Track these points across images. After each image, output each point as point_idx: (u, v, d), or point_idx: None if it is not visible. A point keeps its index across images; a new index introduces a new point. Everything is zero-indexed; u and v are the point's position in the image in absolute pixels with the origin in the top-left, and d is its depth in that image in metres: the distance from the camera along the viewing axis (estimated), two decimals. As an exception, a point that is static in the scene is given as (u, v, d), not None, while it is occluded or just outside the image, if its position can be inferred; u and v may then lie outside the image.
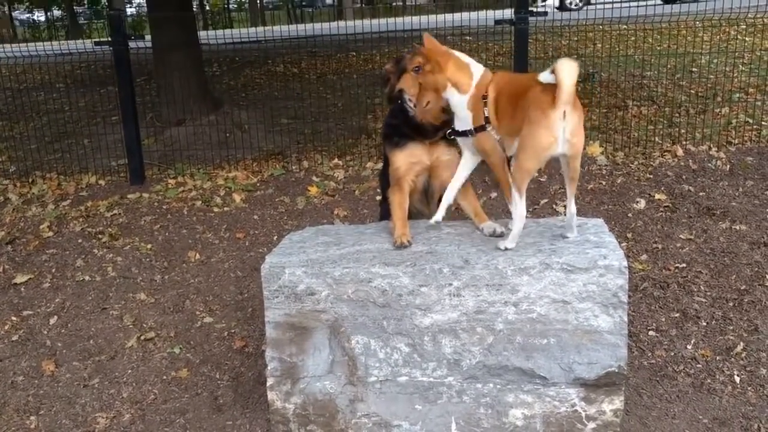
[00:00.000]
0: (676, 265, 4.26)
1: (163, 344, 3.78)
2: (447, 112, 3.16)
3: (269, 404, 2.90)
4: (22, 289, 4.41)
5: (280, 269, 2.82)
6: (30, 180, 6.11)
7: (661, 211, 4.88)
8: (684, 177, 5.35)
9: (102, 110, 8.89)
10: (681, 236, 4.55)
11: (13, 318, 4.11)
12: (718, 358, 3.47)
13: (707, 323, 3.73)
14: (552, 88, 2.52)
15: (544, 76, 2.57)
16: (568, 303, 2.70)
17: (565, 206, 4.95)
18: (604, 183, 5.32)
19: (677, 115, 7.03)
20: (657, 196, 5.05)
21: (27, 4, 27.81)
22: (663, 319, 3.80)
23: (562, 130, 2.55)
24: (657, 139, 6.29)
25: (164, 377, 3.51)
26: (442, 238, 3.02)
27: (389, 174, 3.14)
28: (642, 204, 4.98)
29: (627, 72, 8.80)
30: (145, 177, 5.96)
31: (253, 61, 11.73)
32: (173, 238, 4.92)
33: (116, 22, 5.82)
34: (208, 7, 31.17)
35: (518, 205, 2.74)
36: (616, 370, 2.72)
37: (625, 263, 2.66)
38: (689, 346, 3.57)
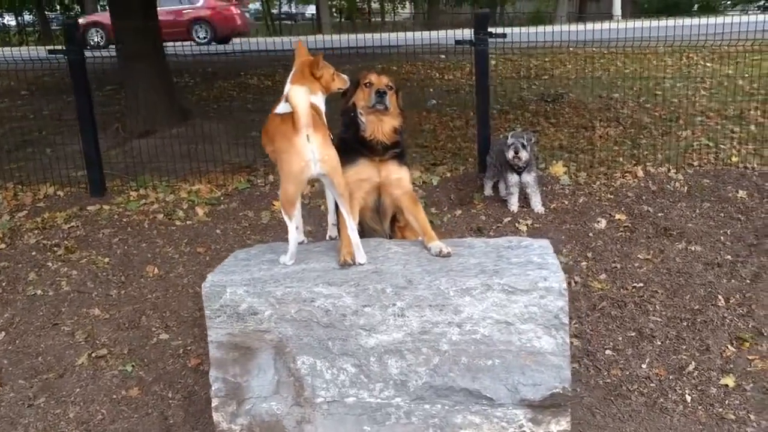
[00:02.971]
0: (634, 284, 4.29)
1: (116, 362, 3.72)
2: (397, 131, 3.17)
3: (215, 425, 2.86)
4: (-29, 303, 4.32)
5: (221, 288, 2.78)
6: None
7: (621, 231, 4.92)
8: (644, 198, 5.41)
9: (66, 119, 8.80)
10: (639, 256, 4.59)
11: (-41, 334, 4.03)
12: (671, 377, 3.48)
13: (662, 342, 3.75)
14: (290, 117, 2.71)
15: (280, 107, 2.83)
16: (511, 324, 2.70)
17: (527, 225, 5.00)
18: (566, 202, 5.36)
19: (641, 136, 7.13)
20: (617, 216, 5.09)
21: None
22: (620, 338, 3.82)
23: (311, 153, 2.72)
24: (622, 159, 6.37)
25: (114, 396, 3.45)
26: (389, 258, 3.01)
27: None
28: (603, 224, 5.01)
29: (594, 93, 8.91)
30: (106, 189, 5.90)
31: (227, 72, 11.72)
32: (132, 252, 4.86)
33: (71, 30, 5.76)
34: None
35: (289, 228, 2.89)
36: (561, 392, 2.71)
37: (565, 285, 2.67)
38: (644, 365, 3.58)
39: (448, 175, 5.94)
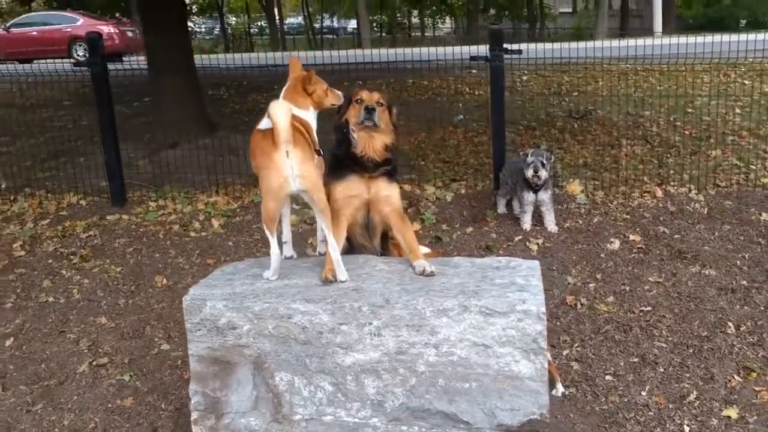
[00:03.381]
0: (642, 308, 4.18)
1: (115, 371, 3.78)
2: (389, 149, 3.17)
3: (192, 438, 2.88)
4: (-16, 309, 4.46)
5: (201, 302, 2.81)
6: (12, 198, 6.20)
7: (634, 253, 4.81)
8: (661, 219, 5.28)
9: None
10: (650, 279, 4.48)
11: (-30, 338, 4.16)
12: (670, 406, 3.38)
13: (664, 369, 3.65)
14: (271, 133, 2.73)
15: (262, 123, 2.83)
16: (489, 347, 2.66)
17: (538, 244, 4.93)
18: (580, 222, 5.27)
19: (668, 155, 6.97)
20: (632, 237, 4.98)
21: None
22: (621, 364, 3.72)
23: (289, 169, 2.74)
24: (645, 178, 6.24)
25: (109, 405, 3.50)
26: (372, 275, 3.00)
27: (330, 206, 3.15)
28: (616, 244, 4.91)
29: (624, 111, 8.76)
30: (127, 199, 6.03)
31: (261, 86, 11.87)
32: (144, 262, 4.95)
33: (95, 44, 5.91)
34: (230, 31, 31.75)
35: (271, 244, 2.90)
36: (539, 418, 2.66)
37: (544, 309, 2.62)
38: (644, 393, 3.48)
39: (463, 191, 5.90)
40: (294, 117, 3.13)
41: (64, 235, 5.37)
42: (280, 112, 2.74)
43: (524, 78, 11.81)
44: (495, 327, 2.65)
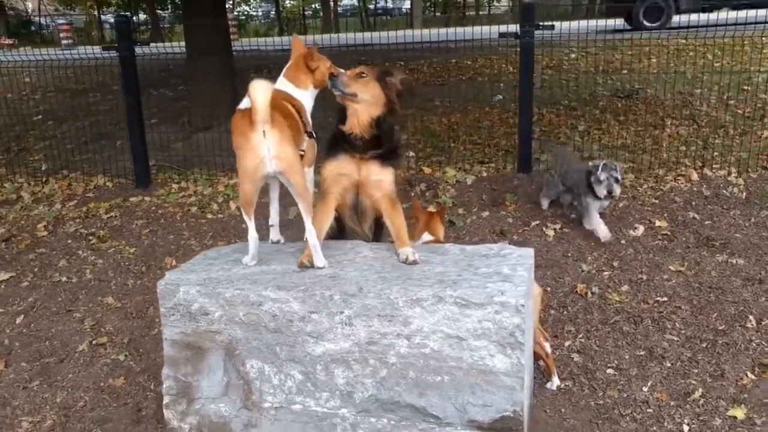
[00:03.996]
0: (657, 298, 3.97)
1: (112, 350, 3.82)
2: (377, 124, 3.02)
3: (166, 422, 2.87)
4: (2, 286, 4.56)
5: (175, 287, 2.78)
6: (44, 180, 6.34)
7: (658, 239, 4.57)
8: (693, 204, 5.00)
9: (146, 112, 9.18)
10: (670, 267, 4.24)
11: (-17, 315, 4.27)
12: (672, 403, 3.19)
13: (672, 364, 3.45)
14: (247, 113, 2.64)
15: (243, 103, 2.74)
16: (463, 339, 2.54)
17: (555, 230, 4.74)
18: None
19: (715, 136, 6.60)
20: (657, 223, 4.73)
21: (115, 7, 29.18)
22: (626, 357, 3.54)
23: (266, 149, 2.64)
24: (687, 161, 5.92)
25: (101, 384, 3.54)
26: (355, 262, 2.91)
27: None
28: (639, 231, 4.67)
29: (674, 89, 8.35)
30: (151, 181, 6.08)
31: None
32: (158, 243, 4.98)
33: (123, 27, 5.96)
34: (284, 14, 31.84)
35: (249, 228, 2.86)
36: (512, 415, 2.53)
37: (523, 301, 2.47)
38: (645, 388, 3.31)
39: (484, 174, 5.72)
40: (286, 97, 3.06)
41: (87, 216, 5.45)
42: (259, 91, 2.63)
43: (572, 56, 11.45)
44: (471, 319, 2.53)
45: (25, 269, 4.75)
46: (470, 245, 3.11)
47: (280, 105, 2.92)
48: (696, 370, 3.39)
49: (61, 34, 19.96)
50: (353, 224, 3.18)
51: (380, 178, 2.99)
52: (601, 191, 4.44)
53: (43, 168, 7.07)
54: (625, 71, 10.22)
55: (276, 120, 2.70)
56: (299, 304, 2.65)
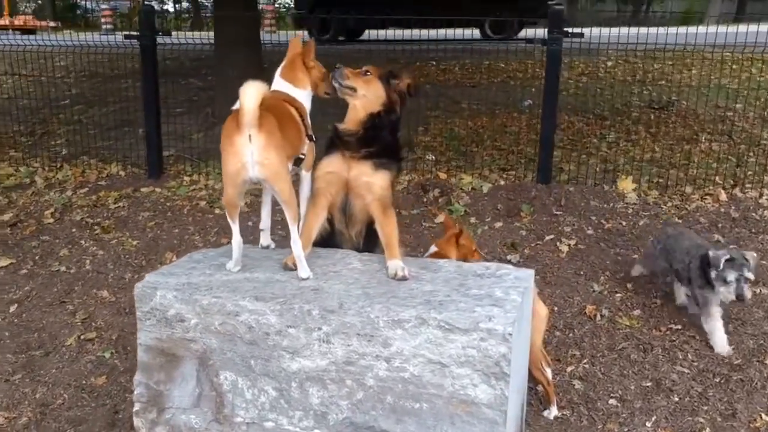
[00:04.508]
0: (670, 326, 3.76)
1: (99, 346, 3.73)
2: (370, 123, 2.88)
3: (135, 430, 2.76)
4: (1, 273, 4.52)
5: (152, 290, 2.66)
6: (59, 165, 6.31)
7: (679, 262, 4.33)
8: (719, 226, 4.75)
9: (173, 101, 9.14)
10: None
11: (-23, 302, 4.22)
12: (676, 442, 3.00)
13: (680, 399, 3.25)
14: (237, 115, 2.51)
15: (236, 104, 2.57)
16: (446, 366, 2.37)
17: (569, 246, 4.53)
18: (624, 223, 4.81)
19: (751, 154, 6.31)
20: (679, 244, 4.49)
21: (160, -5, 29.44)
22: (632, 387, 3.35)
23: (250, 154, 2.51)
24: (717, 178, 5.66)
25: (83, 382, 3.45)
26: (340, 274, 2.76)
27: None
28: (659, 251, 4.44)
29: (712, 103, 8.03)
30: (164, 171, 6.00)
31: (330, 64, 11.71)
32: (162, 237, 4.90)
33: (146, 16, 5.90)
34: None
35: (233, 232, 2.76)
36: (493, 451, 2.36)
37: (511, 329, 2.30)
38: (648, 423, 3.11)
39: (501, 182, 5.52)
40: (287, 98, 2.91)
41: (95, 205, 5.40)
42: (249, 93, 2.49)
43: (609, 63, 11.14)
44: (454, 344, 2.36)
45: (26, 256, 4.69)
46: (466, 263, 2.94)
47: (280, 107, 2.79)
48: (706, 407, 3.18)
49: (102, 20, 20.13)
50: (341, 227, 3.02)
51: (371, 180, 2.84)
52: (727, 294, 3.45)
53: (63, 153, 7.06)
54: (663, 81, 9.91)
55: (265, 124, 2.55)
56: (276, 317, 2.51)
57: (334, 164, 2.86)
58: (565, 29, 5.25)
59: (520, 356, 2.58)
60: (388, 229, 2.85)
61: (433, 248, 3.40)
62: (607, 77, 10.40)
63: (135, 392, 2.72)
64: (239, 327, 2.56)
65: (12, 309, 4.12)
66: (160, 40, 6.18)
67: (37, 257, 4.68)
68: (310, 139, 2.97)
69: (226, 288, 2.65)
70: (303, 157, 2.91)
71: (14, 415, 3.24)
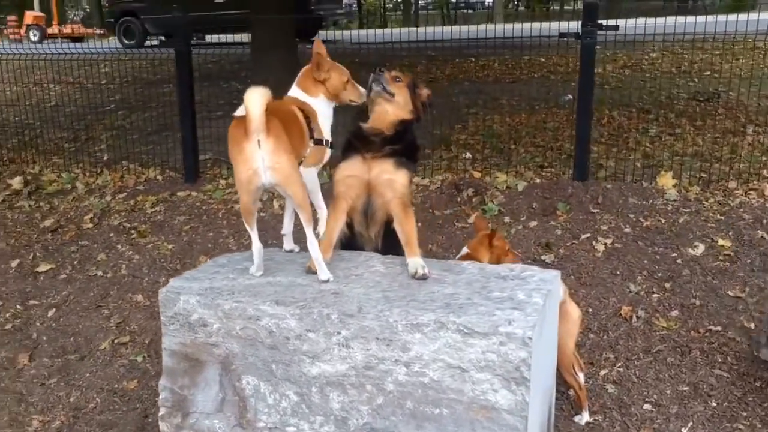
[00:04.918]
0: (710, 327, 3.63)
1: (132, 351, 3.79)
2: (403, 126, 2.88)
3: (161, 434, 2.79)
4: (41, 278, 4.63)
5: (176, 295, 2.68)
6: (98, 171, 6.44)
7: (719, 260, 4.19)
8: (764, 222, 4.56)
9: (213, 105, 9.27)
10: (729, 293, 3.88)
11: (18, 306, 4.33)
12: (713, 450, 2.89)
13: (718, 404, 3.13)
14: (242, 121, 2.52)
15: (239, 110, 2.56)
16: (466, 371, 2.32)
17: (605, 245, 4.42)
18: (663, 221, 4.66)
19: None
20: (720, 242, 4.34)
21: None
22: (667, 392, 3.24)
23: (260, 160, 2.51)
24: (766, 172, 5.46)
25: (115, 386, 3.51)
26: (363, 278, 2.74)
27: None
28: (699, 249, 4.30)
29: (762, 94, 7.73)
30: (200, 175, 6.07)
31: (370, 63, 11.71)
32: (197, 241, 4.95)
33: (179, 23, 5.99)
34: (365, 7, 31.81)
35: (252, 238, 2.77)
36: (515, 458, 2.30)
37: (531, 333, 2.24)
38: (684, 430, 3.01)
39: (537, 180, 5.42)
40: (296, 102, 2.90)
41: (132, 210, 5.49)
42: (254, 99, 2.51)
43: (653, 55, 10.88)
44: (474, 349, 2.31)
45: (66, 261, 4.80)
46: (490, 265, 2.89)
47: (284, 110, 2.78)
48: (745, 413, 3.05)
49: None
50: (361, 229, 3.04)
51: (393, 177, 2.85)
52: None
53: (104, 158, 7.21)
54: (708, 72, 9.62)
55: (272, 128, 2.55)
56: (296, 322, 2.50)
57: (354, 167, 2.87)
58: (600, 22, 5.12)
59: (543, 360, 2.51)
60: (408, 228, 2.84)
61: (465, 250, 3.35)
62: (651, 69, 10.17)
63: (160, 397, 2.75)
64: (260, 331, 2.55)
65: (50, 313, 4.22)
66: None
67: (75, 262, 4.79)
68: (317, 142, 2.90)
69: (247, 292, 2.65)
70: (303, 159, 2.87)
71: (48, 419, 3.31)
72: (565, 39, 5.50)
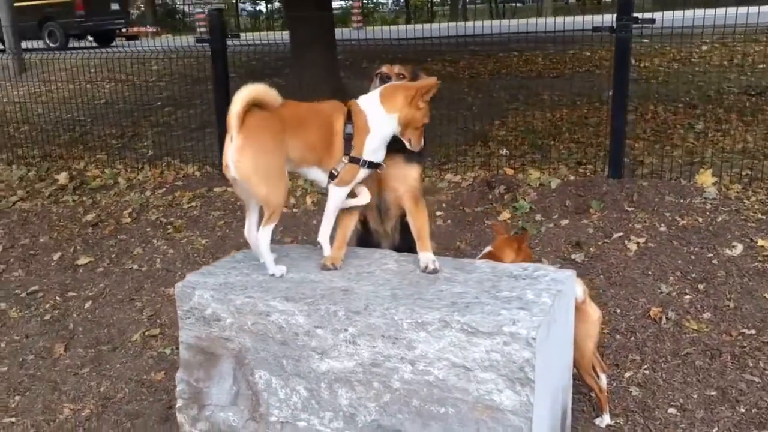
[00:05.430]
0: (743, 330, 3.51)
1: (161, 342, 3.88)
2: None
3: (179, 426, 2.85)
4: (81, 270, 4.78)
5: (191, 290, 2.74)
6: (140, 167, 6.61)
7: (758, 261, 4.04)
8: (807, 221, 4.39)
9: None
10: (766, 295, 3.74)
11: (57, 298, 4.48)
12: (738, 457, 2.80)
13: (746, 410, 3.03)
14: None
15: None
16: (470, 370, 2.31)
17: (638, 244, 4.32)
18: (700, 220, 4.52)
19: None
20: (760, 242, 4.19)
21: (251, -5, 30.39)
22: (694, 396, 3.15)
23: (229, 155, 2.58)
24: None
25: (143, 377, 3.60)
26: (374, 275, 2.75)
27: None
28: (737, 250, 4.16)
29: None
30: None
31: (413, 59, 11.68)
32: (230, 236, 5.04)
33: (215, 20, 6.08)
34: (412, 1, 31.74)
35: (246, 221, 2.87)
36: (519, 459, 2.28)
37: (535, 334, 2.21)
38: (709, 436, 2.92)
39: (572, 178, 5.32)
40: (341, 109, 2.78)
41: (170, 205, 5.62)
42: (236, 97, 2.56)
43: (703, 48, 10.55)
44: (478, 348, 2.30)
45: (104, 255, 4.95)
46: (502, 264, 2.86)
47: (307, 115, 2.76)
48: (774, 420, 2.95)
49: (198, 23, 20.97)
50: (376, 225, 3.08)
51: (405, 172, 2.87)
52: None
53: (148, 154, 7.40)
54: (763, 65, 9.28)
55: (248, 126, 2.55)
56: (304, 318, 2.53)
57: None
58: (635, 15, 5.00)
59: (552, 361, 2.48)
60: (419, 222, 2.84)
61: (488, 248, 3.34)
62: (701, 63, 9.87)
63: (177, 389, 2.82)
64: (270, 327, 2.59)
65: (87, 305, 4.36)
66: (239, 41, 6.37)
67: (113, 255, 4.93)
68: (353, 161, 2.74)
69: (259, 288, 2.69)
70: (336, 173, 2.76)
71: (79, 407, 3.43)
72: (593, 33, 5.35)
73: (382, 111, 2.72)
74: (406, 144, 2.80)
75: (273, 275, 2.76)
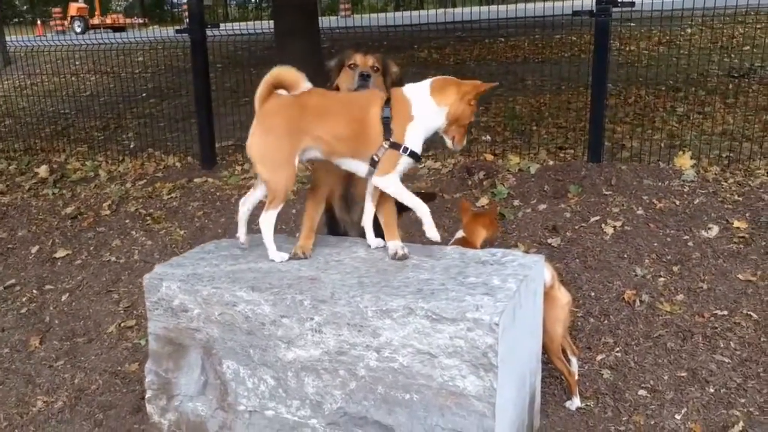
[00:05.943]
0: (715, 311, 3.53)
1: (137, 334, 3.88)
2: None
3: (148, 416, 2.85)
4: (59, 263, 4.76)
5: (159, 281, 2.73)
6: (120, 159, 6.57)
7: (733, 243, 4.06)
8: (783, 202, 4.40)
9: (240, 92, 9.35)
10: (739, 276, 3.75)
11: (34, 291, 4.46)
12: (705, 437, 2.82)
13: (715, 390, 3.05)
14: None
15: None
16: (435, 357, 2.31)
17: (614, 227, 4.32)
18: (677, 202, 4.53)
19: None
20: (735, 224, 4.20)
21: (240, -14, 30.07)
22: (665, 377, 3.17)
23: (249, 135, 2.73)
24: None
25: (118, 368, 3.60)
26: (343, 263, 2.75)
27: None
28: (713, 232, 4.17)
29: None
30: (216, 161, 6.14)
31: (399, 46, 11.63)
32: (209, 226, 5.02)
33: (194, 9, 6.03)
34: (400, -12, 31.50)
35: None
36: (483, 443, 2.29)
37: (498, 319, 2.21)
38: (678, 416, 2.94)
39: (551, 162, 5.32)
40: (379, 97, 2.68)
41: (149, 197, 5.59)
42: (263, 79, 2.67)
43: (688, 31, 10.53)
44: (442, 335, 2.30)
45: (82, 247, 4.93)
46: (472, 250, 2.86)
47: (338, 103, 2.74)
48: (743, 400, 2.97)
49: (185, 14, 20.80)
50: (343, 214, 3.14)
51: None
52: None
53: (131, 146, 7.35)
54: (747, 47, 9.27)
55: (265, 110, 2.65)
56: (270, 307, 2.52)
57: None
58: (614, -2, 4.99)
59: (518, 346, 2.48)
60: (387, 210, 2.85)
61: (460, 233, 3.35)
62: (686, 45, 9.85)
63: (146, 380, 2.82)
64: (237, 317, 2.59)
65: (64, 298, 4.34)
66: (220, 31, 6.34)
67: (91, 248, 4.91)
68: (394, 146, 2.62)
69: (227, 278, 2.68)
70: (377, 159, 2.65)
71: (52, 399, 3.42)
72: (572, 18, 5.34)
73: (432, 102, 2.61)
74: (447, 142, 2.71)
75: (273, 261, 2.79)
